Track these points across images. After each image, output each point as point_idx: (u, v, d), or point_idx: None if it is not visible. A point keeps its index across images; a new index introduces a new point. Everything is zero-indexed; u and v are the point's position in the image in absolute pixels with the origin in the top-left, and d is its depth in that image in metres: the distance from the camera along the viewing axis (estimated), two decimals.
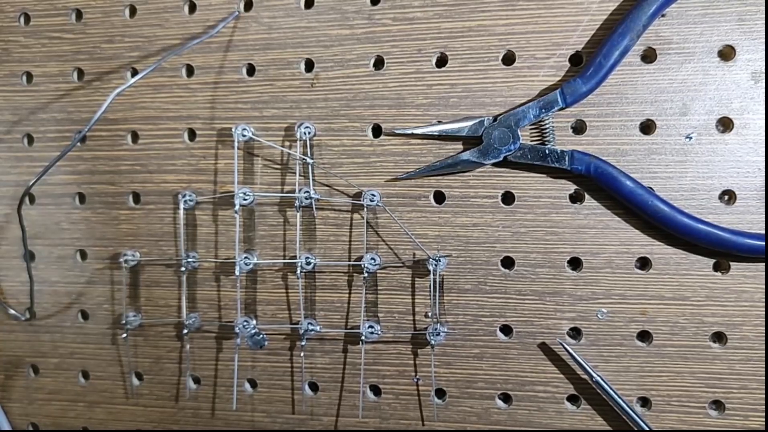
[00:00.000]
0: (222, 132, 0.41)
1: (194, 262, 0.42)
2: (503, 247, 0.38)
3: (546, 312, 0.38)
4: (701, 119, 0.36)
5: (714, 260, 0.36)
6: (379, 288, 0.40)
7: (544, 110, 0.36)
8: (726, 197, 0.36)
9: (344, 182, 0.40)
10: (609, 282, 0.37)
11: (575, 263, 0.38)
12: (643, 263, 0.37)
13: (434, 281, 0.38)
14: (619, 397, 0.36)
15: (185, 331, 0.42)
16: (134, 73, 0.42)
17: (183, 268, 0.41)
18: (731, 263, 0.36)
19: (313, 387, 0.42)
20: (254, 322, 0.41)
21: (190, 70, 0.41)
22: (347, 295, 0.40)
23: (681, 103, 0.36)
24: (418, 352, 0.40)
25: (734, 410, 0.37)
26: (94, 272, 0.44)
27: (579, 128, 0.37)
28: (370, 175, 0.39)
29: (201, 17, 0.41)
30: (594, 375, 0.37)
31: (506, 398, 0.40)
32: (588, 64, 0.35)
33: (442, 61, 0.38)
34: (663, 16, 0.35)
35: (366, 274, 0.39)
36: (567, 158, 0.36)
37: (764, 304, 0.36)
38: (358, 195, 0.39)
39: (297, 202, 0.39)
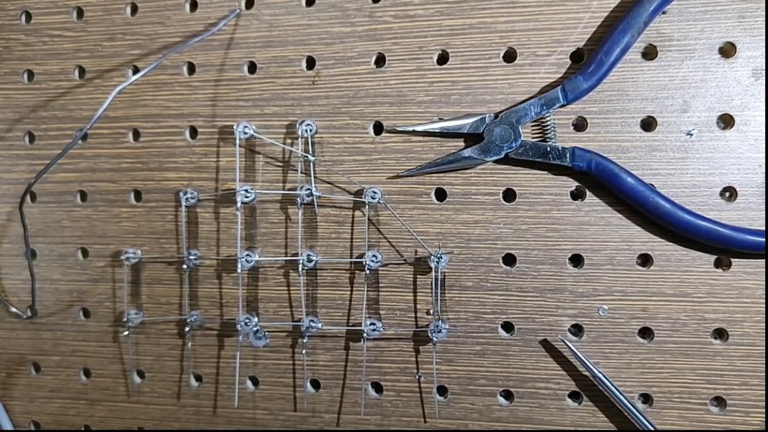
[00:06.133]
0: (223, 129, 0.41)
1: (196, 259, 0.42)
2: (504, 244, 0.38)
3: (547, 309, 0.38)
4: (702, 116, 0.36)
5: (715, 257, 0.36)
6: (380, 285, 0.40)
7: (545, 107, 0.36)
8: (727, 194, 0.36)
9: (346, 179, 0.40)
10: (610, 279, 0.37)
11: (576, 260, 0.38)
12: (644, 260, 0.37)
13: (436, 278, 0.38)
14: (621, 394, 0.37)
15: (187, 328, 0.42)
16: (135, 70, 0.42)
17: (184, 266, 0.41)
18: (732, 260, 0.36)
19: (315, 384, 0.42)
20: (256, 319, 0.41)
21: (191, 68, 0.41)
22: (349, 292, 0.40)
23: (682, 100, 0.36)
24: (419, 350, 0.40)
25: (735, 407, 0.37)
26: (95, 270, 0.44)
27: (580, 125, 0.37)
28: (372, 173, 0.39)
29: (202, 15, 0.41)
30: (595, 372, 0.37)
31: (508, 395, 0.40)
32: (589, 62, 0.35)
33: (443, 59, 0.38)
34: (664, 13, 0.35)
35: (367, 272, 0.39)
36: (568, 155, 0.36)
37: (765, 300, 0.36)
38: (359, 192, 0.39)
39: (298, 199, 0.39)
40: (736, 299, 0.36)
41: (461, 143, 0.38)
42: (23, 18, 0.43)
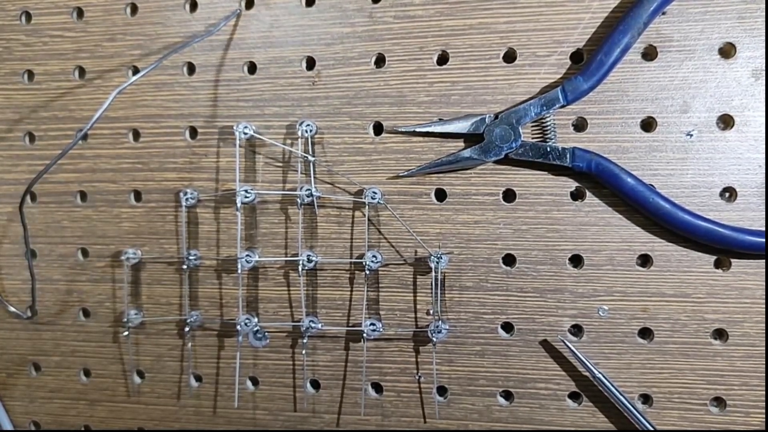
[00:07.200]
0: (223, 130, 0.41)
1: (196, 259, 0.42)
2: (504, 245, 0.38)
3: (547, 309, 0.38)
4: (702, 116, 0.36)
5: (715, 257, 0.36)
6: (380, 285, 0.40)
7: (545, 108, 0.36)
8: (727, 194, 0.36)
9: (346, 180, 0.40)
10: (610, 279, 0.37)
11: (576, 260, 0.38)
12: (644, 260, 0.37)
13: (436, 279, 0.38)
14: (621, 394, 0.37)
15: (187, 328, 0.42)
16: (135, 71, 0.42)
17: (184, 266, 0.41)
18: (732, 260, 0.36)
19: (315, 385, 0.42)
20: (256, 319, 0.41)
21: (191, 68, 0.41)
22: (349, 292, 0.40)
23: (682, 100, 0.36)
24: (419, 350, 0.40)
25: (735, 407, 0.37)
26: (95, 270, 0.44)
27: (580, 126, 0.37)
28: (372, 173, 0.39)
29: (202, 15, 0.41)
30: (595, 372, 0.37)
31: (508, 396, 0.40)
32: (589, 62, 0.35)
33: (443, 59, 0.38)
34: (664, 13, 0.35)
35: (367, 272, 0.39)
36: (568, 156, 0.36)
37: (765, 300, 0.36)
38: (359, 193, 0.39)
39: (298, 199, 0.39)
40: (736, 300, 0.36)
41: (461, 144, 0.38)
42: (23, 18, 0.43)
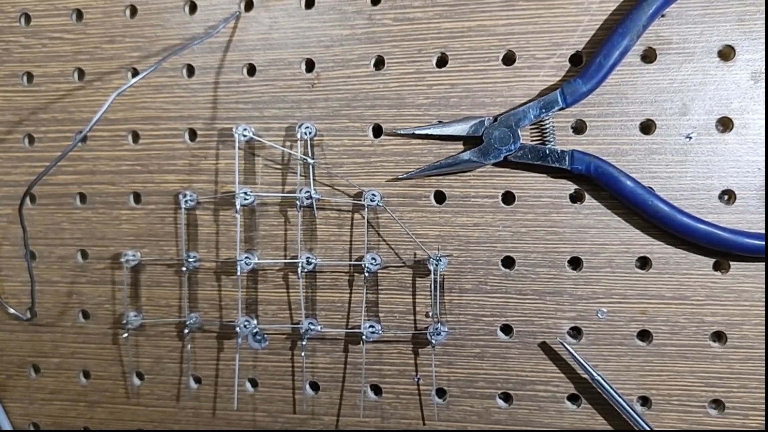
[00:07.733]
0: (223, 132, 0.41)
1: (195, 262, 0.42)
2: (504, 247, 0.38)
3: (546, 311, 0.38)
4: (701, 119, 0.36)
5: (714, 260, 0.36)
6: (379, 288, 0.40)
7: (544, 110, 0.36)
8: (726, 197, 0.36)
9: (345, 182, 0.40)
10: (609, 281, 0.37)
11: (575, 263, 0.38)
12: (644, 263, 0.37)
13: (435, 281, 0.38)
14: (620, 397, 0.37)
15: (186, 330, 0.42)
16: (135, 73, 0.42)
17: (184, 268, 0.41)
18: (731, 263, 0.36)
19: (314, 386, 0.42)
20: (255, 321, 0.41)
21: (190, 71, 0.41)
22: (348, 294, 0.40)
23: (681, 103, 0.36)
24: (418, 352, 0.40)
25: (734, 409, 0.37)
26: (95, 272, 0.44)
27: (579, 128, 0.37)
28: (371, 175, 0.39)
29: (201, 17, 0.41)
30: (594, 374, 0.37)
31: (507, 398, 0.40)
32: (588, 64, 0.35)
33: (442, 61, 0.38)
34: (663, 16, 0.35)
35: (367, 274, 0.39)
36: (567, 158, 0.36)
37: (764, 303, 0.36)
38: (358, 195, 0.39)
39: (298, 202, 0.39)
40: (735, 302, 0.36)
41: (460, 146, 0.38)
42: (23, 20, 0.43)
